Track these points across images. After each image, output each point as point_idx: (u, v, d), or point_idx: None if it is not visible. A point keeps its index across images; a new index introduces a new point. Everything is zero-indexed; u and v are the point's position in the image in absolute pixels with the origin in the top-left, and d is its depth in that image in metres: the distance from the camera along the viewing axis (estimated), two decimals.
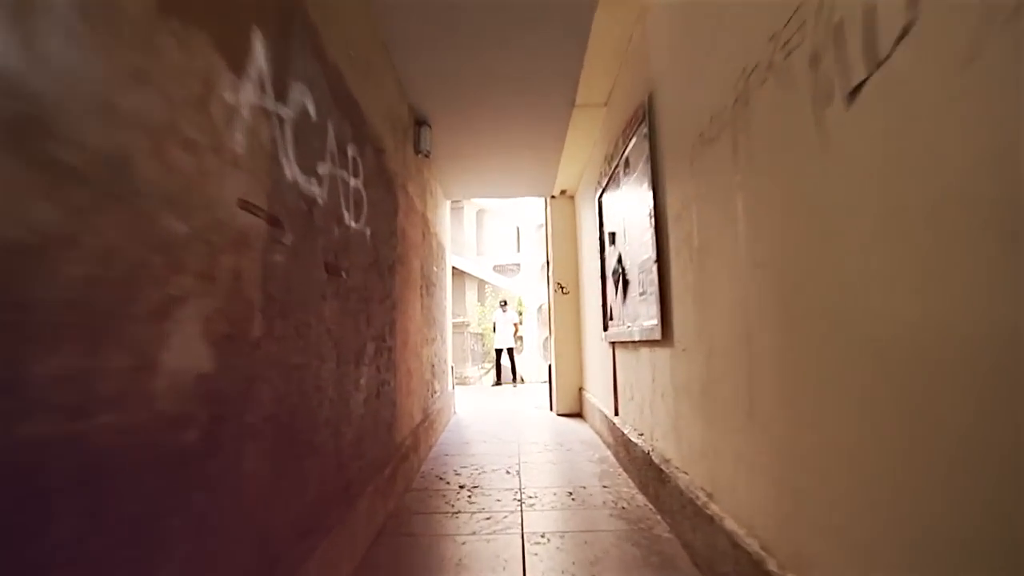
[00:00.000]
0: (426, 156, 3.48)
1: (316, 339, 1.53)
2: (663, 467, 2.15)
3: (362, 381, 2.03)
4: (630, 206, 2.74)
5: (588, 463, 3.22)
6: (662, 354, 2.23)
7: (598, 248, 3.72)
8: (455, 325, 9.59)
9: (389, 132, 2.65)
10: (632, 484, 2.72)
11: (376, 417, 2.24)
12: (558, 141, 3.96)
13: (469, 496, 2.62)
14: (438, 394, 4.33)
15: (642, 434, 2.69)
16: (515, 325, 8.94)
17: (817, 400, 1.08)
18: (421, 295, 3.60)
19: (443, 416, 4.49)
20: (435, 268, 4.35)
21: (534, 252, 21.66)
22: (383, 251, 2.44)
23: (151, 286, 0.81)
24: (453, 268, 20.99)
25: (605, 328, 3.59)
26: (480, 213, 23.45)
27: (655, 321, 2.25)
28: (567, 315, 5.25)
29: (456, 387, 8.89)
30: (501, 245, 23.37)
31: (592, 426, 4.34)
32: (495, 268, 22.27)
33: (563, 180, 4.89)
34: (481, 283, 21.25)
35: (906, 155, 0.80)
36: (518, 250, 22.47)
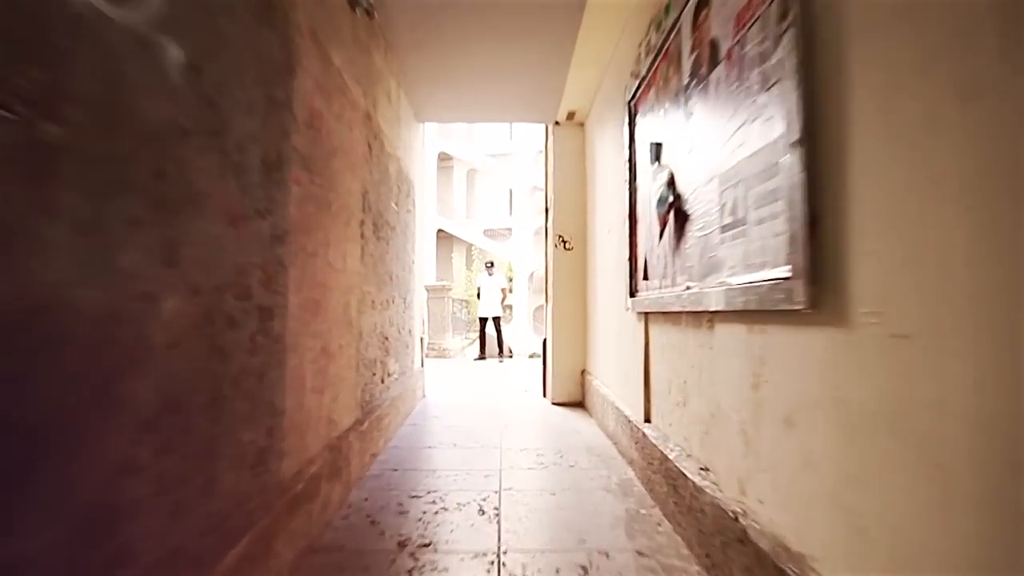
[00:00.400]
0: (369, 16, 2.24)
1: None
2: (791, 570, 1.04)
3: (138, 390, 0.87)
4: (714, 83, 1.56)
5: (604, 495, 2.12)
6: (796, 339, 1.09)
7: (625, 177, 2.55)
8: (435, 289, 8.45)
9: None
10: (686, 551, 1.63)
11: (209, 450, 1.10)
12: (572, 17, 2.72)
13: (410, 572, 1.51)
14: (395, 377, 3.20)
15: (705, 468, 1.58)
16: (503, 291, 7.77)
17: None
18: (363, 236, 2.42)
19: (402, 406, 3.38)
20: (394, 205, 3.16)
21: (528, 216, 20.36)
22: (240, 121, 1.25)
23: None
24: (440, 231, 19.96)
25: (633, 292, 2.45)
26: (471, 173, 22.13)
27: (782, 271, 1.10)
28: (570, 277, 4.10)
29: (433, 360, 7.74)
30: (492, 208, 22.09)
31: (601, 425, 3.26)
32: (485, 232, 21.04)
33: (573, 96, 3.66)
34: (470, 247, 20.04)
35: None
36: (510, 214, 21.18)
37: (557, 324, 4.12)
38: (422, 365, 4.40)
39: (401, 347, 3.44)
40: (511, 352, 11.44)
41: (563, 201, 4.12)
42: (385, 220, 2.92)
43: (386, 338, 2.97)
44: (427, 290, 8.49)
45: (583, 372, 4.04)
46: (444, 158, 20.87)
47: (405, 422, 3.40)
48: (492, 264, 7.88)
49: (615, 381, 2.95)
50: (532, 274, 20.23)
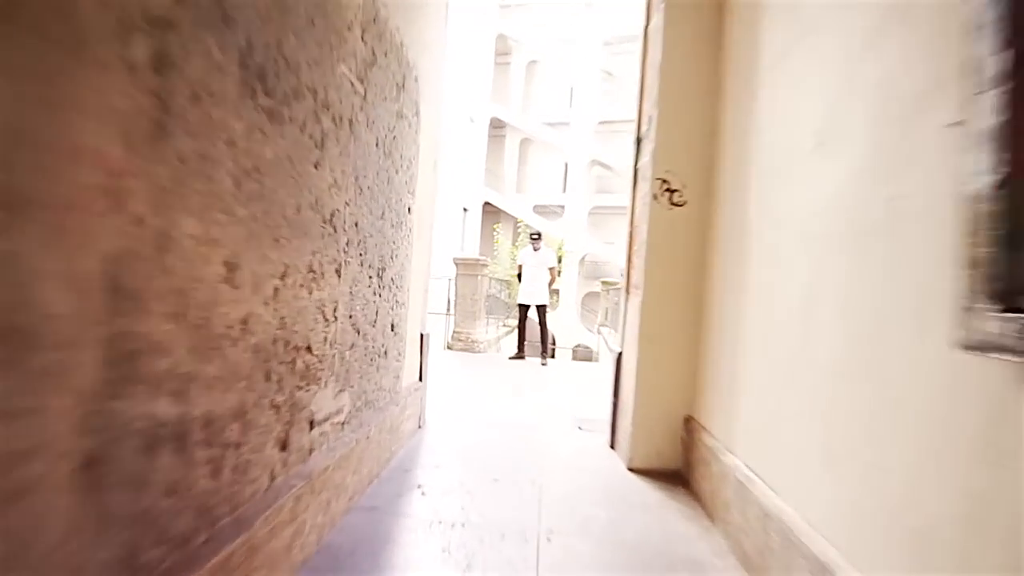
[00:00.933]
0: None
1: None
2: None
3: None
4: None
5: None
6: None
7: None
8: (466, 264, 6.85)
9: None
10: None
11: None
12: None
13: None
14: (338, 422, 1.62)
15: None
16: (551, 271, 6.05)
17: None
18: (162, 65, 0.81)
19: (353, 473, 1.79)
20: (348, 74, 1.53)
21: (583, 194, 18.40)
22: None
23: None
24: (487, 204, 18.36)
25: (1016, 300, 0.72)
26: (524, 143, 20.39)
27: None
28: (674, 253, 2.37)
29: (459, 355, 6.11)
30: (545, 183, 20.26)
31: (749, 563, 1.56)
32: (536, 208, 19.32)
33: None
34: (516, 223, 18.38)
35: None
36: (564, 190, 19.29)
37: (646, 332, 2.40)
38: (421, 378, 2.82)
39: (364, 360, 1.86)
40: (555, 347, 9.76)
41: (673, 123, 2.36)
42: (307, 87, 1.30)
43: (306, 349, 1.38)
44: (456, 264, 6.92)
45: (687, 420, 2.33)
46: (496, 124, 19.16)
47: (356, 502, 1.83)
48: (539, 236, 6.16)
49: (830, 500, 1.24)
50: (584, 258, 18.33)
